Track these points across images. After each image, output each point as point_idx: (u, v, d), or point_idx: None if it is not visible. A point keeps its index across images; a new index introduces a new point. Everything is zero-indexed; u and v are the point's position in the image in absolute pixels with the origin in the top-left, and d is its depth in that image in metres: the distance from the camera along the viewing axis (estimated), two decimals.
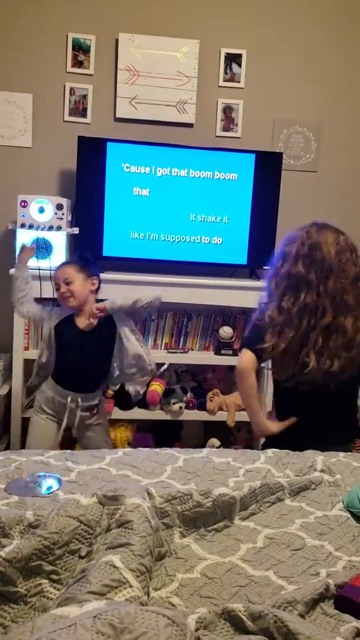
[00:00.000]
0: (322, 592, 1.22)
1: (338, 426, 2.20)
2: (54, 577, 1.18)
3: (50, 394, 2.60)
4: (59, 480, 1.66)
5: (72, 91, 3.37)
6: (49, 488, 1.60)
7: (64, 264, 2.70)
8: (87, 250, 2.87)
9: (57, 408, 2.60)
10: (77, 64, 3.35)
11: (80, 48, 3.34)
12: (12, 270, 2.75)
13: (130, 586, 1.07)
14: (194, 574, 1.31)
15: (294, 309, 2.08)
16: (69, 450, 1.94)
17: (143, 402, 3.36)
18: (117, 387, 3.29)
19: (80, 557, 1.23)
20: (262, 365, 2.25)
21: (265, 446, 2.23)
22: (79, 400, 2.58)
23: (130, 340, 2.59)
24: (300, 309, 2.08)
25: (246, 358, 2.16)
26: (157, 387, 3.34)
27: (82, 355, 2.56)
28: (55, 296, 2.64)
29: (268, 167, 3.30)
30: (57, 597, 1.11)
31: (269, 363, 2.23)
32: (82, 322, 2.57)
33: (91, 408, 2.63)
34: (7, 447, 3.14)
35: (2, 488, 1.61)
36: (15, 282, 2.63)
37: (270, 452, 1.92)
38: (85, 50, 3.34)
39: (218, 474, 1.76)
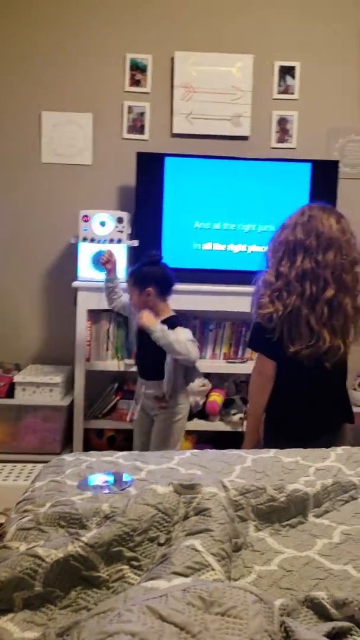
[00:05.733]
0: None
1: (332, 406, 2.20)
2: (134, 563, 1.19)
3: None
4: (130, 478, 1.67)
5: (130, 109, 3.47)
6: (124, 483, 1.62)
7: None
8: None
9: (138, 395, 2.80)
10: (135, 83, 3.45)
11: (138, 67, 3.44)
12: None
13: (213, 569, 1.07)
14: (271, 567, 1.30)
15: (291, 273, 2.06)
16: (136, 452, 1.96)
17: (203, 413, 3.37)
18: None
19: (159, 545, 1.23)
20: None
21: (266, 440, 2.23)
22: (144, 386, 2.74)
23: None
24: (298, 275, 2.06)
25: (262, 364, 2.19)
26: (217, 398, 3.35)
27: (142, 347, 2.75)
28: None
29: (324, 176, 3.30)
30: (140, 580, 1.12)
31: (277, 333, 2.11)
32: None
33: (157, 398, 2.71)
34: None
35: (74, 485, 1.63)
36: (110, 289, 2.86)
37: (340, 449, 1.89)
38: (142, 69, 3.44)
39: (288, 473, 1.74)
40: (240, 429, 3.33)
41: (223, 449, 3.04)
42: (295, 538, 1.43)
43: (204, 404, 3.35)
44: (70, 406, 3.27)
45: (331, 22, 3.46)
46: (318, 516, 1.54)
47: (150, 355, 2.67)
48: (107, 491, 1.57)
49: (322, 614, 1.09)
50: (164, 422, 2.73)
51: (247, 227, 3.30)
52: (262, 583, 1.24)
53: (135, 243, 3.21)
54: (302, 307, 2.06)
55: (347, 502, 1.62)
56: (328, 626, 1.03)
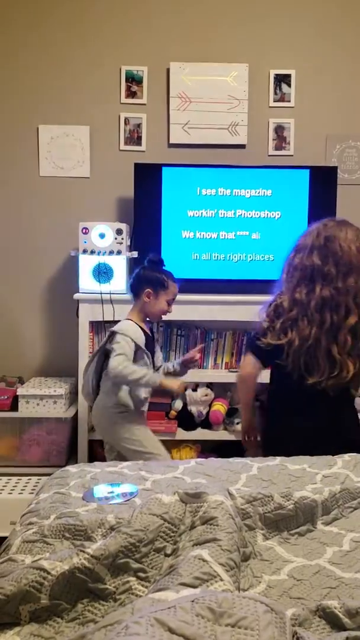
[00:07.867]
0: None
1: (337, 430, 2.13)
2: (141, 574, 1.17)
3: (143, 395, 2.68)
4: (136, 489, 1.65)
5: (126, 121, 3.47)
6: (127, 495, 1.60)
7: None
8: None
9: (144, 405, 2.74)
10: (131, 94, 3.46)
11: (133, 79, 3.45)
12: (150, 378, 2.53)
13: (221, 580, 1.05)
14: (281, 576, 1.28)
15: (311, 302, 1.99)
16: (141, 461, 1.94)
17: (206, 423, 3.34)
18: (180, 407, 3.33)
19: (166, 555, 1.21)
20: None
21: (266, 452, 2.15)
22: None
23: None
24: (317, 304, 1.98)
25: (247, 363, 2.16)
26: (220, 407, 3.32)
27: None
28: (163, 308, 2.70)
29: (323, 182, 3.30)
30: (148, 592, 1.10)
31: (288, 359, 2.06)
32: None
33: None
34: None
35: (79, 497, 1.61)
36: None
37: (347, 456, 1.87)
38: (138, 81, 3.45)
39: (295, 480, 1.72)
40: None
41: (227, 458, 3.02)
42: (304, 546, 1.41)
43: (207, 413, 3.33)
44: (75, 418, 3.24)
45: (325, 28, 3.47)
46: (327, 524, 1.52)
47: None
48: (112, 502, 1.55)
49: (335, 623, 1.06)
50: None
51: (247, 235, 3.29)
52: (272, 593, 1.22)
53: (135, 254, 3.20)
54: (322, 338, 1.99)
55: (355, 509, 1.60)
56: (342, 636, 1.01)
